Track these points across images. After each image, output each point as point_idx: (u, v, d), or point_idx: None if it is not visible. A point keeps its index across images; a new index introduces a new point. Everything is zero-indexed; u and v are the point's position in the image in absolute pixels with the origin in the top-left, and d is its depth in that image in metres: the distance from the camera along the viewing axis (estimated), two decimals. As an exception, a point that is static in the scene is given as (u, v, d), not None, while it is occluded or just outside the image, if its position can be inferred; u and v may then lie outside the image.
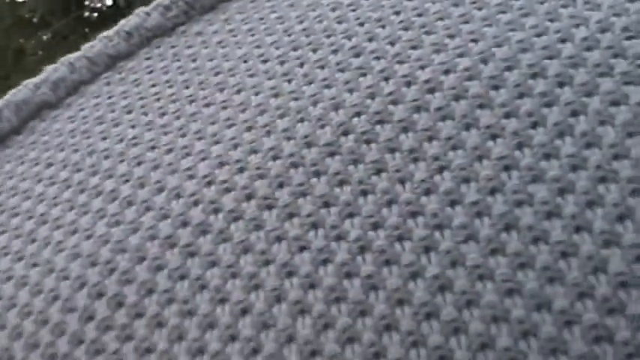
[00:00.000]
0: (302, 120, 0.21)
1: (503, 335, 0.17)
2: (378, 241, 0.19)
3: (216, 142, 0.21)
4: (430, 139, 0.20)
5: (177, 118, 0.22)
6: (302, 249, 0.19)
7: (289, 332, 0.18)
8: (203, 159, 0.21)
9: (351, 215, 0.19)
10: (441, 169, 0.20)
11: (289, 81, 0.22)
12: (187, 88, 0.23)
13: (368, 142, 0.20)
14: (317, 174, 0.20)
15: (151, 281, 0.19)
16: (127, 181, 0.21)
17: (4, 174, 0.23)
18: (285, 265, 0.19)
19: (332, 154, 0.20)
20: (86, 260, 0.20)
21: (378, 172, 0.20)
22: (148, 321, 0.19)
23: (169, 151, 0.21)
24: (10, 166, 0.23)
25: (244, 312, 0.19)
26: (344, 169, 0.20)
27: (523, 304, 0.18)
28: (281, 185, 0.20)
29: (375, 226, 0.19)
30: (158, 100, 0.23)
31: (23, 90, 0.24)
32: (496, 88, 0.21)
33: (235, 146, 0.21)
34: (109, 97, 0.23)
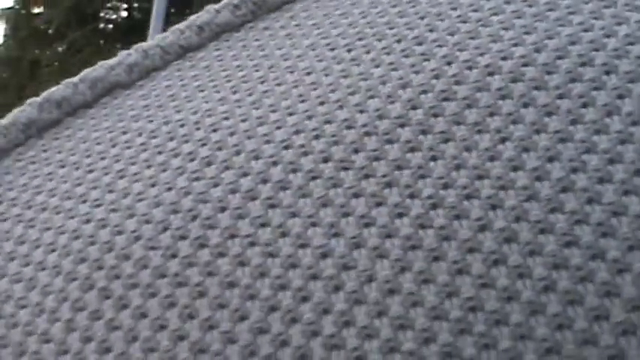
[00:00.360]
0: (372, 96, 0.22)
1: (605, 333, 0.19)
2: (448, 198, 0.20)
3: (291, 114, 0.22)
4: (492, 114, 0.21)
5: (250, 94, 0.23)
6: (379, 204, 0.20)
7: (369, 274, 0.19)
8: (279, 127, 0.22)
9: (423, 177, 0.21)
10: (503, 140, 0.21)
11: (357, 65, 0.23)
12: (257, 71, 0.24)
13: (435, 115, 0.22)
14: (390, 142, 0.21)
15: (234, 227, 0.20)
16: (205, 144, 0.22)
17: (78, 139, 0.24)
18: (364, 216, 0.20)
19: (402, 125, 0.21)
20: (168, 207, 0.21)
21: (446, 140, 0.21)
22: (231, 260, 0.20)
23: (244, 120, 0.22)
24: (83, 133, 0.24)
25: (324, 256, 0.20)
26: (414, 137, 0.21)
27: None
28: (356, 150, 0.21)
29: (446, 186, 0.20)
30: (229, 80, 0.24)
31: (98, 69, 0.26)
32: (550, 73, 0.22)
33: (310, 117, 0.22)
34: (181, 80, 0.25)
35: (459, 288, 0.19)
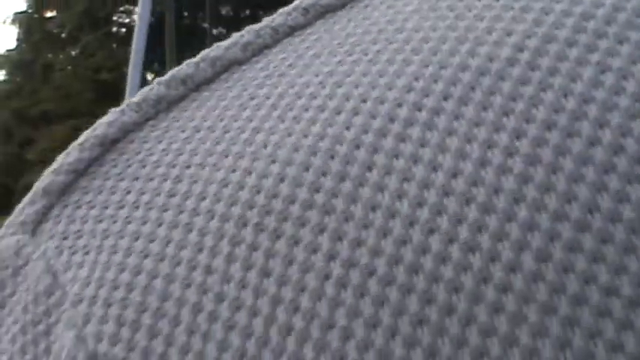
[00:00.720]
0: (463, 69, 0.23)
1: None
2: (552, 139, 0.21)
3: (408, 65, 0.24)
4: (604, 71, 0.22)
5: (365, 54, 0.25)
6: (492, 147, 0.21)
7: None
8: (399, 76, 0.24)
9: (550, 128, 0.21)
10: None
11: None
12: (368, 34, 0.26)
13: (532, 69, 0.22)
14: (487, 106, 0.22)
15: (370, 161, 0.22)
16: (332, 98, 0.24)
17: (208, 108, 0.26)
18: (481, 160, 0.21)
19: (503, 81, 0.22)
20: (307, 150, 0.23)
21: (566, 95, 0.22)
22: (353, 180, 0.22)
23: (365, 75, 0.24)
24: (212, 103, 0.26)
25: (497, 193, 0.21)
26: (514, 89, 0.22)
27: None
28: (465, 103, 0.22)
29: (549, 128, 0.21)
30: (342, 46, 0.26)
31: (215, 49, 0.28)
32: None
33: (427, 65, 0.23)
34: (295, 52, 0.27)
35: None
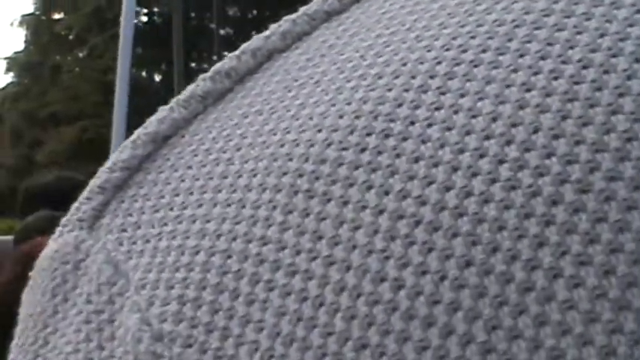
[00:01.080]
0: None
1: None
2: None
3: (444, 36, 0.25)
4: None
5: (405, 27, 0.26)
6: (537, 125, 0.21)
7: None
8: (429, 50, 0.24)
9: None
10: None
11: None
12: (404, 9, 0.26)
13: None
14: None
15: (412, 115, 0.23)
16: (385, 67, 0.24)
17: (253, 96, 0.27)
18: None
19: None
20: (352, 115, 0.24)
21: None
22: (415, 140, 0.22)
23: (403, 41, 0.25)
24: (257, 90, 0.27)
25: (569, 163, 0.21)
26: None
27: None
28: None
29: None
30: (380, 22, 0.26)
31: (255, 41, 0.28)
32: None
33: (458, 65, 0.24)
34: (333, 34, 0.27)
35: None
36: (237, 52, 0.28)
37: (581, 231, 0.20)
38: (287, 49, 0.28)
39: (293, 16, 0.29)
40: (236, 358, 0.22)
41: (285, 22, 0.28)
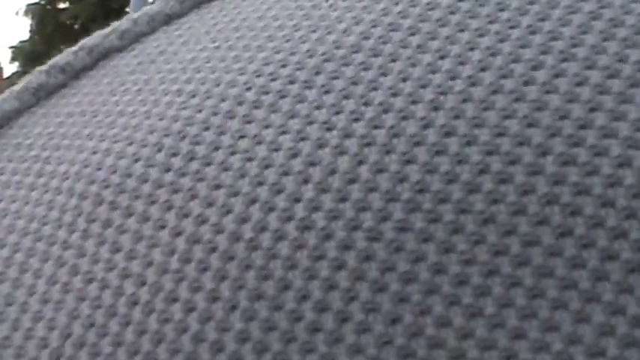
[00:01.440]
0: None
1: None
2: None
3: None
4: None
5: (219, 48, 0.25)
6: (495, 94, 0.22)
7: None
8: (242, 73, 0.24)
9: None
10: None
11: None
12: (223, 33, 0.26)
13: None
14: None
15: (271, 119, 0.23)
16: (204, 83, 0.24)
17: (82, 94, 0.27)
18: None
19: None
20: (183, 122, 0.23)
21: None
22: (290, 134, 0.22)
23: (222, 60, 0.25)
24: (87, 89, 0.27)
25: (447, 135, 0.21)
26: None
27: None
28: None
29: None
30: (208, 34, 0.26)
31: (94, 38, 0.28)
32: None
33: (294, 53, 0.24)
34: (167, 39, 0.27)
35: None
36: (75, 47, 0.28)
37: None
38: (124, 49, 0.28)
39: (135, 15, 0.28)
40: (23, 349, 0.22)
41: (127, 21, 0.28)
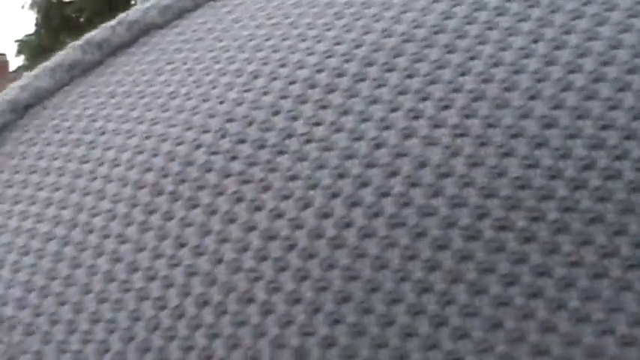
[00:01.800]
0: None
1: None
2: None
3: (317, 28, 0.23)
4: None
5: (287, 18, 0.24)
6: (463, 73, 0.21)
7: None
8: (319, 41, 0.23)
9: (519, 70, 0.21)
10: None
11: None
12: (281, 9, 0.25)
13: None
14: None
15: (290, 127, 0.21)
16: (251, 62, 0.23)
17: (123, 73, 0.25)
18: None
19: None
20: (223, 117, 0.22)
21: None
22: (291, 155, 0.21)
23: (285, 39, 0.23)
24: (128, 68, 0.25)
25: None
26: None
27: None
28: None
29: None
30: (262, 10, 0.25)
31: (133, 12, 0.27)
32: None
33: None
34: (214, 16, 0.25)
35: None
36: (112, 23, 0.27)
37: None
38: (166, 25, 0.26)
39: None
40: (82, 354, 0.20)
41: None
